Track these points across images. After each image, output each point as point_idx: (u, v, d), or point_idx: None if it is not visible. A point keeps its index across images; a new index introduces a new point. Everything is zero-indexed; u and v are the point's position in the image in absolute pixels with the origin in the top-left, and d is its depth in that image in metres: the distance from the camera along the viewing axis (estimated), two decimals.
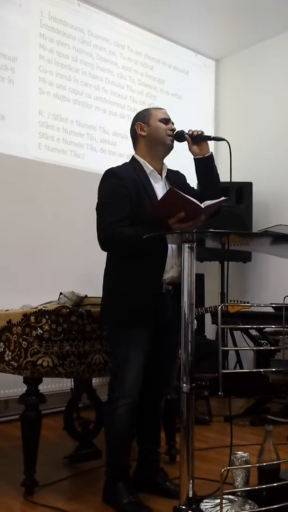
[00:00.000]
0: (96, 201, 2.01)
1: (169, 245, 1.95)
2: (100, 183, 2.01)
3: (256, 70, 4.50)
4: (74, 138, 3.79)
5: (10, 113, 3.44)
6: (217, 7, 3.95)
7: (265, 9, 3.95)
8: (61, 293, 2.25)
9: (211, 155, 2.05)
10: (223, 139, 2.03)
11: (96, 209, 1.98)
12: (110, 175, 1.98)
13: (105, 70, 4.00)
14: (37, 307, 2.12)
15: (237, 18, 4.10)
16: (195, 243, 1.72)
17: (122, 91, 4.10)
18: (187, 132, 2.03)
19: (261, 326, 3.28)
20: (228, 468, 1.79)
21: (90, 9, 3.92)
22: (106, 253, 2.03)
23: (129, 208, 1.91)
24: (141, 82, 4.26)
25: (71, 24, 3.80)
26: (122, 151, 4.01)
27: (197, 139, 2.02)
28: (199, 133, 2.02)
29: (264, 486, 1.77)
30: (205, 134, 2.04)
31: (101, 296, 2.10)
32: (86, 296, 2.24)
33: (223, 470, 1.59)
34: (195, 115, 4.51)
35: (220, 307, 1.78)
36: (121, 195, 1.92)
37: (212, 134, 2.01)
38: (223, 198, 1.90)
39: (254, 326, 3.29)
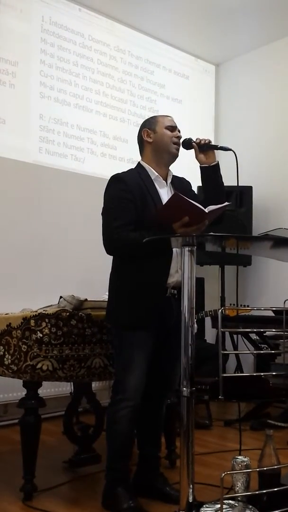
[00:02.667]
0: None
1: (174, 249, 1.96)
2: (105, 189, 2.04)
3: (255, 74, 4.51)
4: (75, 142, 3.80)
5: (11, 117, 3.45)
6: (218, 12, 3.97)
7: (265, 14, 3.97)
8: (61, 297, 2.24)
9: (217, 164, 2.08)
10: (230, 149, 2.05)
11: (102, 214, 2.01)
12: (116, 181, 2.01)
13: (106, 75, 4.01)
14: (37, 311, 2.11)
15: (237, 23, 4.12)
16: (195, 247, 1.73)
17: (122, 95, 4.11)
18: (194, 140, 2.06)
19: (261, 330, 3.27)
20: (228, 472, 1.78)
21: (91, 14, 3.94)
22: (106, 256, 2.03)
23: (134, 213, 1.94)
24: (142, 87, 4.27)
25: (72, 29, 3.82)
26: (123, 155, 4.02)
27: (204, 148, 2.05)
28: (206, 141, 2.05)
29: (264, 491, 1.76)
30: (212, 143, 2.07)
31: (101, 299, 2.10)
32: (86, 299, 2.23)
33: (223, 475, 1.58)
34: (195, 120, 4.52)
35: (220, 311, 1.78)
36: (126, 200, 1.95)
37: (218, 143, 2.04)
38: (226, 203, 1.93)
39: (255, 330, 3.28)
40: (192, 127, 4.33)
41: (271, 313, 3.18)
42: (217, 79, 4.85)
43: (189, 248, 1.72)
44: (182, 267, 1.75)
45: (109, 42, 4.05)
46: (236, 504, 1.77)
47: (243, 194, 4.10)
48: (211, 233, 1.68)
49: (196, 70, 4.71)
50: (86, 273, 3.55)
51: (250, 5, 3.87)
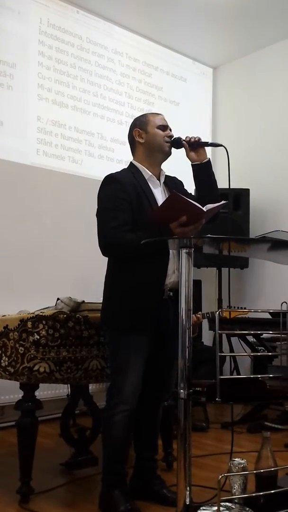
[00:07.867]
0: (94, 206, 2.00)
1: (170, 250, 1.94)
2: (100, 189, 2.01)
3: (253, 77, 4.53)
4: (72, 144, 3.80)
5: (8, 119, 3.45)
6: (215, 15, 3.98)
7: (262, 17, 3.98)
8: (58, 299, 2.24)
9: (209, 161, 2.05)
10: (221, 145, 2.03)
11: (97, 215, 1.98)
12: (110, 180, 1.99)
13: (104, 77, 4.02)
14: (34, 313, 2.11)
15: (234, 26, 4.13)
16: (192, 249, 1.72)
17: (120, 97, 4.12)
18: (184, 138, 2.04)
19: (259, 332, 3.27)
20: (225, 475, 1.78)
21: (89, 16, 3.94)
22: (103, 258, 2.02)
23: (130, 213, 1.91)
24: (139, 89, 4.28)
25: (70, 31, 3.83)
26: (120, 157, 4.02)
27: (194, 146, 2.03)
28: (196, 139, 2.03)
29: (261, 493, 1.76)
30: (203, 140, 2.05)
31: (98, 301, 2.09)
32: (83, 301, 2.23)
33: (220, 477, 1.58)
34: (192, 122, 4.53)
35: (217, 313, 1.78)
36: (121, 200, 1.92)
37: (210, 141, 2.02)
38: (223, 201, 1.90)
39: (252, 332, 3.28)
40: (190, 129, 4.33)
41: (268, 315, 3.18)
42: (215, 82, 4.86)
43: (186, 250, 1.71)
44: (179, 269, 1.74)
45: (107, 45, 4.05)
46: (233, 506, 1.77)
47: (240, 197, 4.11)
48: (209, 235, 1.67)
49: (194, 72, 4.72)
50: (83, 275, 3.55)
51: (248, 9, 3.88)
